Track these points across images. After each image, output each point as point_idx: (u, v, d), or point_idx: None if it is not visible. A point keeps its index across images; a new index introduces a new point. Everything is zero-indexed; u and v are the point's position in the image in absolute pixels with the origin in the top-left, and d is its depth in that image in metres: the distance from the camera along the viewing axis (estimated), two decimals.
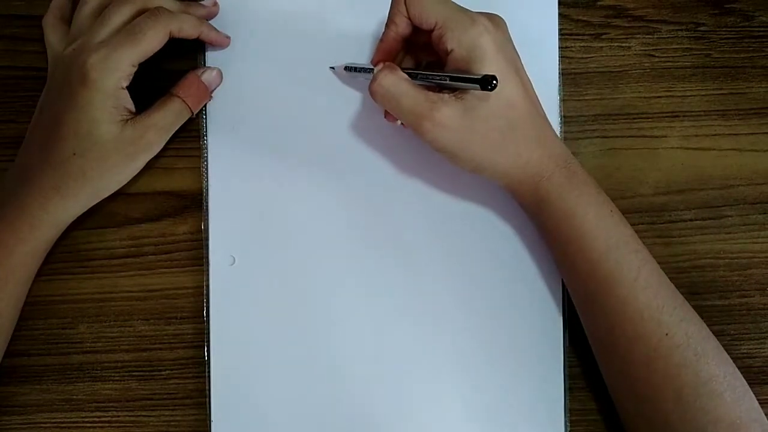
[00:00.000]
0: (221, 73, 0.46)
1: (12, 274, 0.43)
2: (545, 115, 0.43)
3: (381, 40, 0.44)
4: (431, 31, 0.41)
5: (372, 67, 0.43)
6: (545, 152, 0.42)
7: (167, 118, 0.44)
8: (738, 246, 0.48)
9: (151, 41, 0.42)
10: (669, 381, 0.40)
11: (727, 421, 0.39)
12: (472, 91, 0.40)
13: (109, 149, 0.42)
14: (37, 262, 0.44)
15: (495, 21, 0.41)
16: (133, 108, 0.43)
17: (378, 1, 0.44)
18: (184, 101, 0.44)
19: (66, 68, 0.43)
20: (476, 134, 0.40)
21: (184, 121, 0.45)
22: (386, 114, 0.45)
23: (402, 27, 0.42)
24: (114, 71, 0.41)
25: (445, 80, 0.40)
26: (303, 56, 0.47)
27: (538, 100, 0.43)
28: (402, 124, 0.44)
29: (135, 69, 0.42)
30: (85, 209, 0.44)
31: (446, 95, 0.40)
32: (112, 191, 0.45)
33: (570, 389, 0.47)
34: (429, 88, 0.41)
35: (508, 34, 0.42)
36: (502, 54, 0.40)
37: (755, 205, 0.48)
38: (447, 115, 0.40)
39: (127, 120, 0.43)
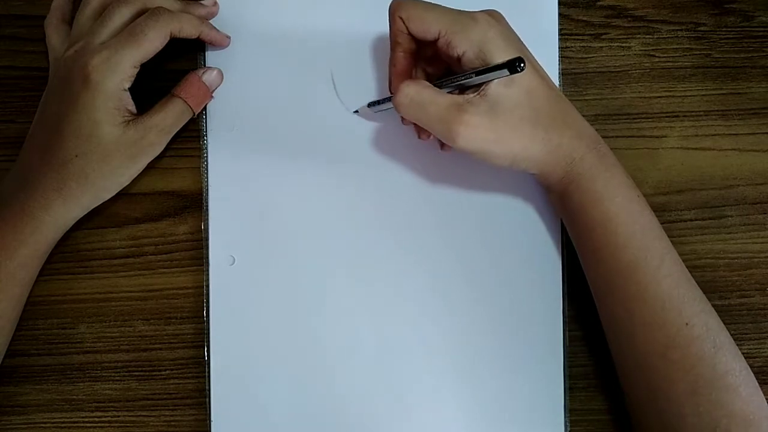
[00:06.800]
0: (222, 73, 0.46)
1: (13, 276, 0.43)
2: (566, 97, 0.43)
3: (392, 65, 0.43)
4: (435, 41, 0.41)
5: (389, 95, 0.43)
6: (575, 133, 0.42)
7: (169, 119, 0.44)
8: (738, 246, 0.48)
9: (152, 42, 0.42)
10: (685, 372, 0.40)
11: (740, 416, 0.39)
12: (493, 85, 0.40)
13: (111, 151, 0.42)
14: (38, 264, 0.44)
15: (494, 15, 0.41)
16: (134, 109, 0.43)
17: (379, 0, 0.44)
18: (185, 102, 0.44)
19: (67, 70, 0.42)
20: (507, 128, 0.40)
21: (186, 121, 0.45)
22: (419, 132, 0.45)
23: (407, 44, 0.42)
24: (116, 73, 0.41)
25: (471, 77, 0.40)
26: (303, 56, 0.47)
27: (555, 84, 0.43)
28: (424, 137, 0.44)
29: (137, 70, 0.42)
30: (87, 211, 0.44)
31: (470, 95, 0.40)
32: (114, 193, 0.45)
33: (570, 389, 0.47)
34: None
35: (509, 25, 0.42)
36: (511, 43, 0.41)
37: (755, 205, 0.48)
38: (476, 114, 0.40)
39: (129, 121, 0.43)
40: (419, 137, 0.45)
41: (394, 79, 0.43)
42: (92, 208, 0.45)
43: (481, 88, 0.40)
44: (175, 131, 0.45)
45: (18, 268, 0.43)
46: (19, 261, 0.43)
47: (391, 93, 0.43)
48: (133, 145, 0.43)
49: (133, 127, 0.43)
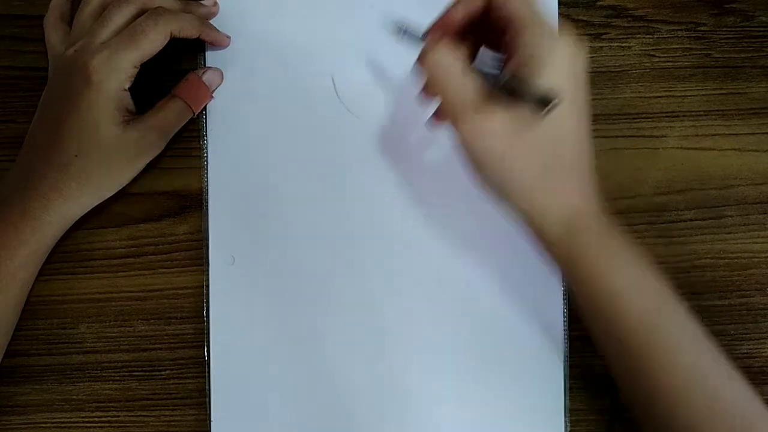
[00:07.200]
0: (222, 73, 0.46)
1: (13, 276, 0.43)
2: (591, 150, 0.39)
3: (446, 13, 0.38)
4: (498, 21, 0.37)
5: (421, 35, 0.39)
6: (583, 195, 0.39)
7: (169, 119, 0.44)
8: (738, 246, 0.48)
9: (152, 42, 0.42)
10: None
11: None
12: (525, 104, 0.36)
13: (111, 151, 0.42)
14: (38, 264, 0.44)
15: (579, 46, 0.37)
16: (134, 109, 0.43)
17: (379, 0, 0.44)
18: (185, 101, 0.44)
19: (67, 69, 0.42)
20: (517, 155, 0.37)
21: (186, 121, 0.45)
22: (435, 114, 0.43)
23: (476, 5, 0.38)
24: (116, 73, 0.41)
25: (504, 77, 0.36)
26: (303, 56, 0.47)
27: (588, 132, 0.39)
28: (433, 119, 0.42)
29: (137, 70, 0.42)
30: (87, 210, 0.44)
31: (503, 97, 0.36)
32: (114, 192, 0.45)
33: (570, 389, 0.47)
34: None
35: (586, 66, 0.38)
36: (573, 80, 0.36)
37: (755, 205, 0.48)
38: (495, 115, 0.36)
39: (129, 121, 0.43)
40: (432, 121, 0.42)
41: (435, 25, 0.39)
42: (92, 207, 0.45)
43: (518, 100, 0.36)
44: (175, 131, 0.45)
45: (18, 268, 0.43)
46: (20, 261, 0.43)
47: (425, 33, 0.39)
48: (133, 145, 0.43)
49: (133, 127, 0.43)
